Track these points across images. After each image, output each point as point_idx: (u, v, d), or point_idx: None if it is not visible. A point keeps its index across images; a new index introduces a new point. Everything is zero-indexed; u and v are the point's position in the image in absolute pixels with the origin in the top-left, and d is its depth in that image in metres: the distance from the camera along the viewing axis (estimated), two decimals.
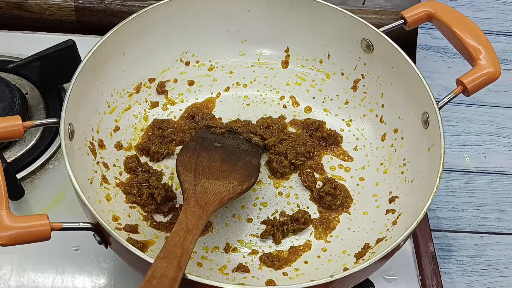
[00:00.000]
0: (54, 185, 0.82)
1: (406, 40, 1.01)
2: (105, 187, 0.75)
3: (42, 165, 0.83)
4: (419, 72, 0.75)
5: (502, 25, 1.01)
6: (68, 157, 0.65)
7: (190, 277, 0.57)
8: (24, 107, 0.85)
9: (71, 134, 0.69)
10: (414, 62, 0.77)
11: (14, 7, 1.00)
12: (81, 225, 0.62)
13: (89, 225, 0.62)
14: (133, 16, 0.80)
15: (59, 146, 0.79)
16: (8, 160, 0.82)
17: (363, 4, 1.05)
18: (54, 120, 0.68)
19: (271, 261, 0.72)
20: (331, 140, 0.84)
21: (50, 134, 0.86)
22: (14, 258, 0.76)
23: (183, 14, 0.84)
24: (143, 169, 0.79)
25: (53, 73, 0.88)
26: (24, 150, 0.84)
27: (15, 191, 0.79)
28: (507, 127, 1.01)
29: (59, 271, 0.76)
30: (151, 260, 0.57)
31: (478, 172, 0.97)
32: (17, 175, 0.81)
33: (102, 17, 1.01)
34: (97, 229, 0.62)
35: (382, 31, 0.79)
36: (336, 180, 0.80)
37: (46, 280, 0.75)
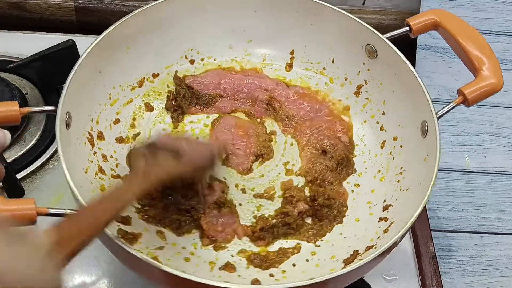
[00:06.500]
0: (54, 185, 0.82)
1: (406, 40, 1.01)
2: (100, 178, 0.75)
3: (42, 165, 0.84)
4: (420, 81, 0.75)
5: (502, 25, 1.01)
6: (61, 144, 0.65)
7: (175, 272, 0.58)
8: (24, 107, 0.85)
9: (67, 123, 0.70)
10: (414, 62, 0.77)
11: (14, 7, 1.00)
12: (68, 211, 0.62)
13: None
14: (139, 10, 0.80)
15: None
16: (8, 160, 0.82)
17: (363, 4, 1.05)
18: (52, 108, 0.68)
19: (259, 261, 0.72)
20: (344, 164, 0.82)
21: (50, 134, 0.86)
22: None
23: (189, 12, 0.84)
24: None
25: (53, 73, 0.88)
26: (24, 150, 0.84)
27: (15, 191, 0.79)
28: (507, 127, 1.01)
29: None
30: (134, 252, 0.59)
31: (478, 172, 0.97)
32: (17, 175, 0.81)
33: (102, 17, 1.01)
34: None
35: (387, 38, 0.79)
36: (326, 188, 0.79)
37: None
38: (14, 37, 0.99)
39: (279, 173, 0.81)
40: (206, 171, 0.73)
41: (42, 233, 0.51)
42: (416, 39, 1.00)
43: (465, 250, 0.91)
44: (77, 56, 0.86)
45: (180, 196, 0.75)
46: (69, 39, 0.89)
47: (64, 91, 0.69)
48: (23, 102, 0.85)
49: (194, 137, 0.82)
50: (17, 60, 0.90)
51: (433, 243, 0.84)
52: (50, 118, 0.86)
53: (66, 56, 0.86)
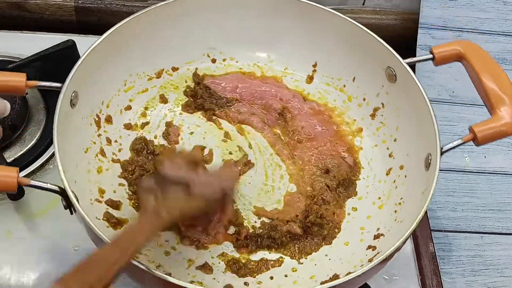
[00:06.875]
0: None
1: (406, 40, 1.01)
2: (99, 159, 0.76)
3: (42, 165, 0.83)
4: (432, 113, 0.72)
5: (502, 25, 1.01)
6: (58, 120, 0.66)
7: (141, 266, 0.58)
8: (24, 107, 0.85)
9: (72, 102, 0.70)
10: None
11: (14, 7, 1.00)
12: (49, 186, 0.63)
13: (57, 187, 0.63)
14: (166, 2, 0.80)
15: None
16: (8, 160, 0.82)
17: (363, 4, 1.05)
18: (59, 84, 0.69)
19: (237, 267, 0.72)
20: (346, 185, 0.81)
21: (50, 134, 0.86)
22: (14, 258, 0.76)
23: (213, 9, 0.84)
24: (148, 152, 0.80)
25: (53, 73, 0.88)
26: (24, 150, 0.84)
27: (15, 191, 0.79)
28: None
29: (59, 271, 0.75)
30: (101, 234, 0.60)
31: (478, 172, 0.97)
32: None
33: (102, 17, 1.01)
34: (64, 193, 0.63)
35: (407, 63, 0.77)
36: (321, 207, 0.77)
37: (46, 280, 0.75)
38: (14, 37, 0.99)
39: None
40: (221, 202, 0.69)
41: None
42: (416, 38, 1.00)
43: (465, 250, 0.91)
44: (77, 56, 0.86)
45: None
46: (69, 39, 0.89)
47: (73, 71, 0.70)
48: (24, 102, 0.85)
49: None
50: (17, 60, 0.90)
51: (433, 243, 0.84)
52: (51, 118, 0.86)
53: (66, 56, 0.86)
